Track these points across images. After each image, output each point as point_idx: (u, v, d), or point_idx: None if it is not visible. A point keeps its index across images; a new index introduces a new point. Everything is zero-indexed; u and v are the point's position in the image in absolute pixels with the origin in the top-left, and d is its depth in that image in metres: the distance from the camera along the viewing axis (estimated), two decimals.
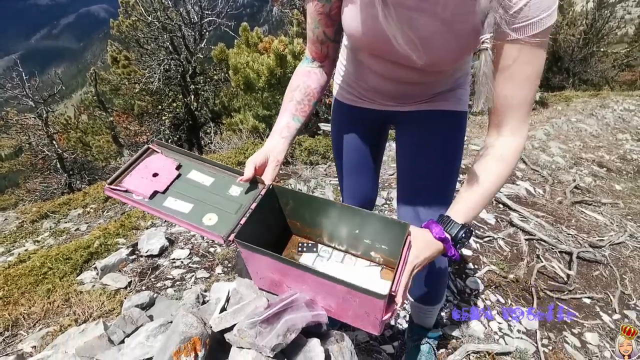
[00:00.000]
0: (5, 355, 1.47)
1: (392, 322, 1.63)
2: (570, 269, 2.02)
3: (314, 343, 0.83)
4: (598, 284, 2.01)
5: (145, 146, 0.95)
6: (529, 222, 2.37)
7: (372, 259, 0.96)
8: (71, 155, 7.07)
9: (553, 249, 2.16)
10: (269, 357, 0.76)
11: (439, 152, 1.03)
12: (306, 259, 0.97)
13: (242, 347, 0.84)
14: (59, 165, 6.63)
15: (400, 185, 1.15)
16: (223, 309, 1.04)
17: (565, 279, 1.97)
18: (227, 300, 1.08)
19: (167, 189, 0.87)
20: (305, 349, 0.82)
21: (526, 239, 2.20)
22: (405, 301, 1.31)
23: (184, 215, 0.84)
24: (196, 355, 0.77)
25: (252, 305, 0.83)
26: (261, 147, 0.91)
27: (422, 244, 0.78)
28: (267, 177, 0.88)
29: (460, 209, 0.81)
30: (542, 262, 2.05)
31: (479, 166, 0.82)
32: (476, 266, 2.02)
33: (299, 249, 1.00)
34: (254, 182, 0.88)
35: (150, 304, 1.62)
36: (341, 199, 1.40)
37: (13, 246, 3.15)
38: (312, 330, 0.85)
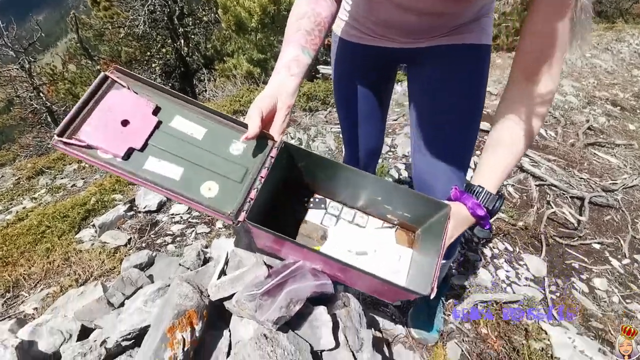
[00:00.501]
0: (8, 317, 1.46)
1: None
2: (581, 215, 1.95)
3: (320, 311, 0.77)
4: (609, 229, 1.96)
5: (102, 74, 0.67)
6: (540, 166, 2.27)
7: (388, 220, 0.86)
8: (61, 108, 6.80)
9: (564, 194, 2.08)
10: (271, 329, 0.70)
11: (465, 85, 0.88)
12: (312, 215, 0.86)
13: (242, 317, 0.78)
14: (49, 119, 6.40)
15: (416, 129, 0.97)
16: (222, 273, 0.97)
17: (576, 225, 1.92)
18: (226, 262, 1.01)
19: (145, 144, 0.66)
20: (310, 317, 0.76)
21: (537, 185, 2.12)
22: None
23: (175, 183, 0.65)
24: (193, 330, 0.70)
25: (252, 273, 0.76)
26: (264, 89, 0.70)
27: (457, 221, 0.71)
28: (276, 129, 0.70)
29: (493, 177, 0.72)
30: (552, 208, 1.98)
31: (510, 125, 0.70)
32: None
33: (305, 203, 0.89)
34: (261, 136, 0.68)
35: (150, 263, 1.57)
36: (343, 148, 1.28)
37: (11, 204, 3.10)
38: (317, 298, 0.78)
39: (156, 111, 0.68)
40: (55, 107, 6.61)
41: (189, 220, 2.15)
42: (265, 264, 0.81)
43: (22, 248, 2.01)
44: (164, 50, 7.51)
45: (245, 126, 0.66)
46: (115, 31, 7.51)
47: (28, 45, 6.30)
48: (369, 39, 0.94)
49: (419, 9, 0.78)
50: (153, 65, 7.45)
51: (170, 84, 7.69)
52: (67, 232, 2.17)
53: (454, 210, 0.70)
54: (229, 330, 0.79)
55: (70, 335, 1.03)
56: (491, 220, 0.75)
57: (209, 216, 2.17)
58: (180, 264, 1.39)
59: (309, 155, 0.76)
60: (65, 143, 0.60)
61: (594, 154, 2.56)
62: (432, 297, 0.60)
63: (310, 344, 0.72)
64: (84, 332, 1.05)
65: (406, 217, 0.79)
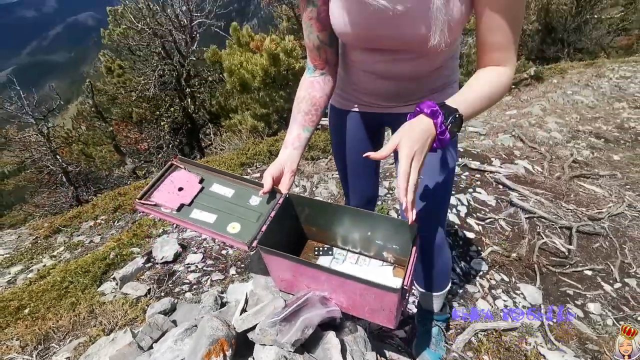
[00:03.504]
0: None
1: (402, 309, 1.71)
2: (570, 244, 2.09)
3: (330, 336, 0.91)
4: (598, 255, 2.08)
5: (169, 163, 1.04)
6: (528, 200, 2.43)
7: (385, 259, 1.03)
8: (75, 168, 7.16)
9: (553, 225, 2.23)
10: (290, 351, 0.84)
11: (436, 156, 1.06)
12: (323, 262, 1.04)
13: (264, 344, 0.92)
14: (64, 179, 6.72)
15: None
16: (243, 310, 1.12)
17: (567, 253, 2.04)
18: (246, 301, 1.16)
19: (192, 201, 0.97)
20: (322, 341, 0.90)
21: (526, 218, 2.27)
22: (413, 289, 1.39)
23: (210, 225, 0.93)
24: (224, 356, 0.85)
25: (271, 305, 0.91)
26: (276, 158, 0.98)
27: (411, 129, 0.73)
28: (284, 187, 0.96)
29: (457, 99, 0.79)
30: (543, 238, 2.12)
31: (478, 74, 0.84)
32: (479, 248, 2.09)
33: (316, 252, 1.08)
34: (272, 192, 0.96)
35: (172, 309, 1.71)
36: (344, 195, 1.47)
37: (31, 262, 3.25)
38: (327, 323, 0.93)
39: (201, 181, 1.01)
40: (70, 168, 6.97)
41: (204, 268, 2.29)
42: (281, 297, 0.96)
43: (48, 303, 2.14)
44: (172, 109, 8.03)
45: (261, 186, 0.95)
46: (127, 95, 8.09)
47: (48, 112, 6.81)
48: (357, 107, 1.15)
49: (391, 74, 0.97)
50: (162, 123, 7.92)
51: (178, 140, 8.12)
52: (90, 286, 2.31)
53: (409, 123, 0.75)
54: (253, 357, 0.93)
55: None
56: (450, 133, 0.75)
57: (222, 264, 2.31)
58: (200, 309, 1.53)
59: (308, 200, 1.03)
60: (141, 204, 0.93)
61: (580, 185, 2.73)
62: (406, 287, 0.74)
63: None
64: None
65: (396, 249, 0.96)
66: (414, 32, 0.80)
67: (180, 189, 1.00)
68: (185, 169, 1.04)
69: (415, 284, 1.35)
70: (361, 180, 1.31)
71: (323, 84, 1.01)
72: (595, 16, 13.83)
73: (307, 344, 0.88)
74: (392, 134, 1.22)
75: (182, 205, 0.96)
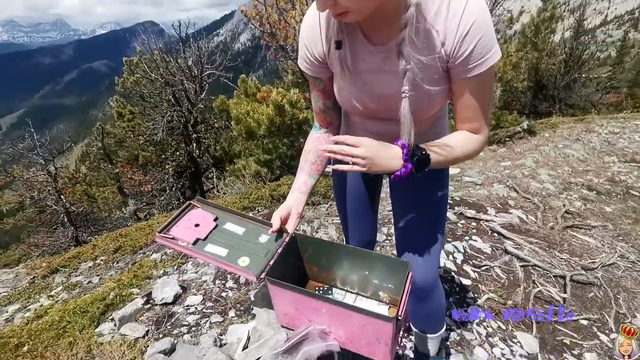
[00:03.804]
0: None
1: (400, 352, 1.72)
2: (565, 292, 2.13)
3: None
4: (594, 305, 2.11)
5: (188, 202, 1.17)
6: (523, 249, 2.50)
7: (381, 299, 1.10)
8: (78, 209, 7.25)
9: (547, 273, 2.28)
10: None
11: (430, 192, 1.19)
12: None
13: None
14: (66, 219, 6.79)
15: (395, 227, 1.29)
16: (245, 347, 1.17)
17: (562, 302, 2.08)
18: (248, 338, 1.21)
19: (207, 237, 1.07)
20: None
21: (521, 266, 2.33)
22: (410, 334, 1.43)
23: (222, 257, 1.02)
24: None
25: (274, 339, 0.97)
26: (285, 201, 1.11)
27: (380, 143, 0.89)
28: (290, 227, 1.08)
29: (429, 144, 0.93)
30: (537, 287, 2.16)
31: (451, 135, 0.99)
32: (476, 295, 2.13)
33: (316, 291, 1.15)
34: (280, 231, 1.08)
35: (172, 349, 1.73)
36: (344, 238, 1.56)
37: (28, 302, 3.23)
38: (325, 357, 0.97)
39: (216, 219, 1.13)
40: (73, 208, 7.06)
41: (203, 310, 2.31)
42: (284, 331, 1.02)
43: (45, 342, 2.13)
44: (177, 153, 8.28)
45: (270, 225, 1.06)
46: (135, 138, 8.41)
47: (58, 153, 7.04)
48: None
49: (387, 133, 1.11)
50: (166, 166, 8.15)
51: (181, 183, 8.28)
52: (88, 326, 2.30)
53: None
54: None
55: None
56: (413, 166, 0.89)
57: (222, 306, 2.33)
58: (200, 350, 1.56)
59: (311, 239, 1.14)
60: (161, 237, 1.04)
61: (573, 235, 2.80)
62: (400, 317, 0.81)
63: None
64: None
65: (391, 288, 1.03)
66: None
67: (197, 225, 1.11)
68: (201, 208, 1.16)
69: (412, 326, 1.39)
70: (361, 223, 1.40)
71: (328, 139, 1.17)
72: (584, 75, 14.60)
73: None
74: (389, 184, 1.34)
75: (197, 240, 1.07)
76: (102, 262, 4.12)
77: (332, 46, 0.94)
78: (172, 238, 1.05)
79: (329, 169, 1.25)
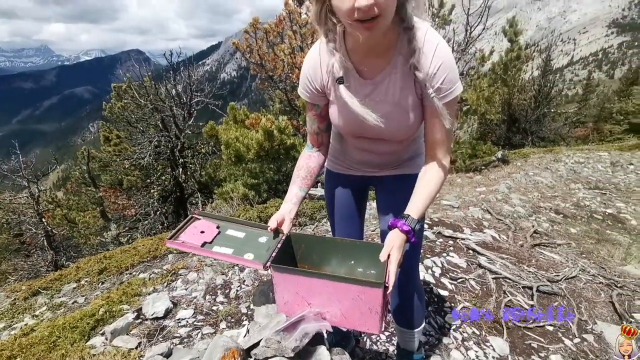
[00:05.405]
0: None
1: (386, 347, 1.86)
2: (532, 301, 2.32)
3: (322, 349, 1.11)
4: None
5: (190, 215, 1.33)
6: (495, 263, 2.71)
7: None
8: (60, 232, 7.13)
9: (517, 284, 2.48)
10: (290, 358, 1.03)
11: (408, 196, 1.40)
12: None
13: (267, 358, 1.11)
14: (45, 243, 6.66)
15: (381, 217, 1.51)
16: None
17: (529, 309, 2.27)
18: (247, 331, 1.34)
19: (212, 240, 1.23)
20: (315, 353, 1.09)
21: (493, 278, 2.52)
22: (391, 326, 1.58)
23: (229, 254, 1.18)
24: None
25: (274, 321, 1.11)
26: (279, 210, 1.29)
27: (395, 240, 1.10)
28: (285, 229, 1.25)
29: (414, 208, 1.14)
30: (508, 296, 2.36)
31: (424, 177, 1.20)
32: (453, 304, 2.30)
33: None
34: (276, 233, 1.25)
35: (169, 354, 1.83)
36: None
37: (12, 321, 3.19)
38: (319, 339, 1.12)
39: (218, 227, 1.30)
40: (55, 231, 6.95)
41: (195, 323, 2.38)
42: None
43: (37, 355, 2.16)
44: (163, 177, 8.33)
45: (267, 228, 1.25)
46: (121, 162, 8.45)
47: (42, 176, 7.01)
48: (347, 170, 1.49)
49: (375, 150, 1.34)
50: (152, 191, 8.16)
51: (165, 208, 8.28)
52: (78, 340, 2.34)
53: (393, 235, 1.11)
54: None
55: None
56: (417, 238, 1.16)
57: (213, 319, 2.41)
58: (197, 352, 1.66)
59: (304, 236, 1.31)
60: (172, 242, 1.19)
61: (540, 252, 3.04)
62: (388, 291, 0.99)
63: None
64: None
65: (374, 274, 1.21)
66: (389, 133, 1.21)
67: (202, 232, 1.27)
68: (204, 219, 1.33)
69: (396, 324, 1.55)
70: (349, 227, 1.58)
71: (318, 158, 1.38)
72: (552, 110, 15.59)
73: (303, 354, 1.07)
74: (375, 192, 1.54)
75: (204, 243, 1.23)
76: (86, 283, 4.09)
77: (332, 79, 1.17)
78: (182, 242, 1.21)
79: (313, 191, 1.46)
